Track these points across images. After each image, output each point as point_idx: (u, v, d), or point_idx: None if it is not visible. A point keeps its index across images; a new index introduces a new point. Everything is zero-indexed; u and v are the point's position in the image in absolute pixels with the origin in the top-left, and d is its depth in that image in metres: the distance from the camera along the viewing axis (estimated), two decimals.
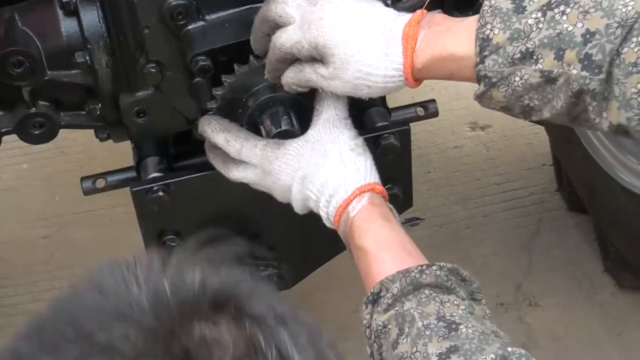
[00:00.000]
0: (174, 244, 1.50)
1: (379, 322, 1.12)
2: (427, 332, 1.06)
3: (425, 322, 1.07)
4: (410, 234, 2.34)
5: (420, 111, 1.63)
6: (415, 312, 1.09)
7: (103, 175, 1.57)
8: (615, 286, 2.19)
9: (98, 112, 1.49)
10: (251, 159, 1.30)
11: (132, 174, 1.55)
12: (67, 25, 1.44)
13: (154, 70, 1.39)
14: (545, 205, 2.36)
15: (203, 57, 1.32)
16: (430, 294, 1.11)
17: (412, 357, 1.06)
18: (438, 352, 1.04)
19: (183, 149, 1.53)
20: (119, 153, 2.52)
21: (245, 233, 1.54)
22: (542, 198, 2.37)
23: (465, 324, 1.07)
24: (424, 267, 1.13)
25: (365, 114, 1.55)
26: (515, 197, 2.39)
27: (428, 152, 2.48)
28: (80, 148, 2.61)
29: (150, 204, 1.45)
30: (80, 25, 1.43)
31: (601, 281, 2.21)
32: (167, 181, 1.45)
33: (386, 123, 1.53)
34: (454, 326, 1.07)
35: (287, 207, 1.46)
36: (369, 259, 1.17)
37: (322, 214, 1.25)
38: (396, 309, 1.10)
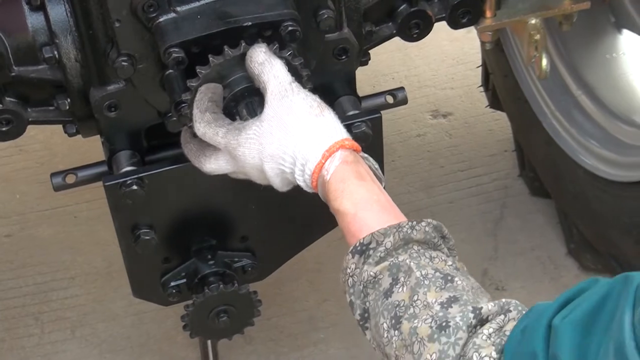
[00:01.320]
0: (147, 238, 1.49)
1: (370, 273, 1.13)
2: (425, 282, 1.08)
3: (423, 272, 1.09)
4: None
5: (389, 99, 1.65)
6: (412, 263, 1.10)
7: (73, 170, 1.55)
8: (579, 268, 2.22)
9: (67, 107, 1.48)
10: (217, 145, 1.30)
11: (104, 168, 1.54)
12: (34, 20, 1.43)
13: (125, 63, 1.38)
14: (508, 190, 2.39)
15: (177, 49, 1.31)
16: (419, 250, 1.13)
17: (413, 305, 1.07)
18: (439, 301, 1.06)
19: (155, 142, 1.52)
20: (80, 150, 2.51)
21: (218, 224, 1.55)
22: (505, 184, 2.40)
23: (458, 277, 1.10)
24: (414, 223, 1.15)
25: (336, 103, 1.56)
26: (479, 183, 2.41)
27: (391, 141, 2.49)
28: (40, 145, 2.59)
29: (124, 198, 1.44)
30: (48, 20, 1.41)
31: (565, 264, 2.24)
32: (140, 174, 1.44)
33: (357, 111, 1.54)
34: (449, 278, 1.09)
35: (260, 197, 1.48)
36: (348, 219, 1.18)
37: (301, 184, 1.24)
38: (390, 260, 1.12)
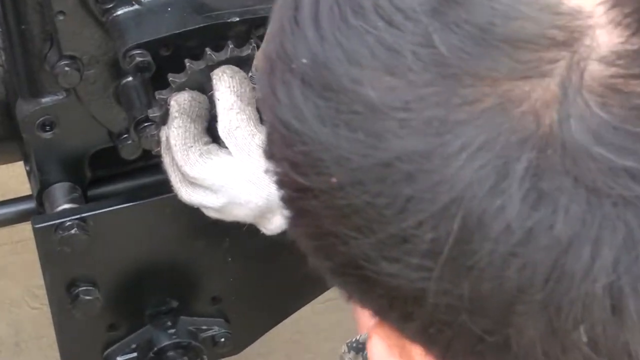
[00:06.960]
0: (89, 298, 1.27)
1: None
2: None
3: None
4: None
5: None
6: None
7: None
8: None
9: None
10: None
11: (31, 205, 1.35)
12: None
13: (69, 68, 1.20)
14: None
15: (141, 51, 1.13)
16: None
17: None
18: None
19: (103, 172, 1.34)
20: None
21: (183, 281, 1.35)
22: None
23: None
24: None
25: None
26: None
27: None
28: None
29: (59, 245, 1.24)
30: None
31: None
32: (83, 214, 1.25)
33: None
34: None
35: (240, 247, 1.34)
36: None
37: None
38: None
